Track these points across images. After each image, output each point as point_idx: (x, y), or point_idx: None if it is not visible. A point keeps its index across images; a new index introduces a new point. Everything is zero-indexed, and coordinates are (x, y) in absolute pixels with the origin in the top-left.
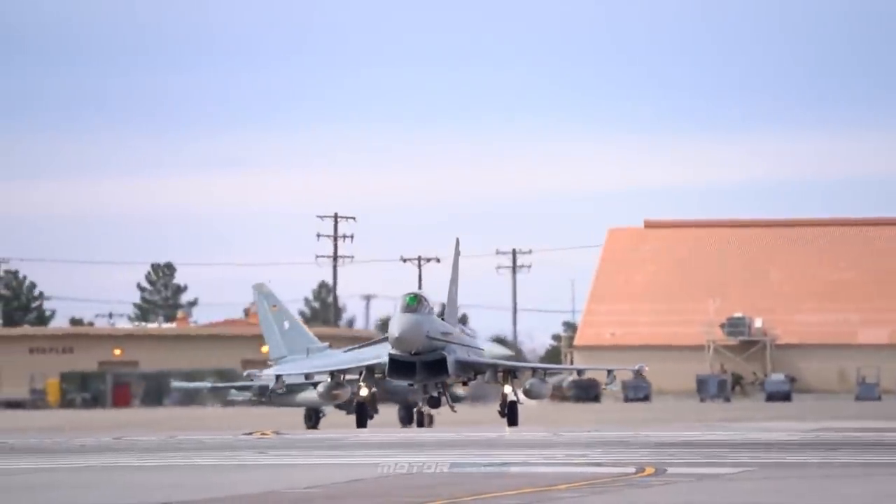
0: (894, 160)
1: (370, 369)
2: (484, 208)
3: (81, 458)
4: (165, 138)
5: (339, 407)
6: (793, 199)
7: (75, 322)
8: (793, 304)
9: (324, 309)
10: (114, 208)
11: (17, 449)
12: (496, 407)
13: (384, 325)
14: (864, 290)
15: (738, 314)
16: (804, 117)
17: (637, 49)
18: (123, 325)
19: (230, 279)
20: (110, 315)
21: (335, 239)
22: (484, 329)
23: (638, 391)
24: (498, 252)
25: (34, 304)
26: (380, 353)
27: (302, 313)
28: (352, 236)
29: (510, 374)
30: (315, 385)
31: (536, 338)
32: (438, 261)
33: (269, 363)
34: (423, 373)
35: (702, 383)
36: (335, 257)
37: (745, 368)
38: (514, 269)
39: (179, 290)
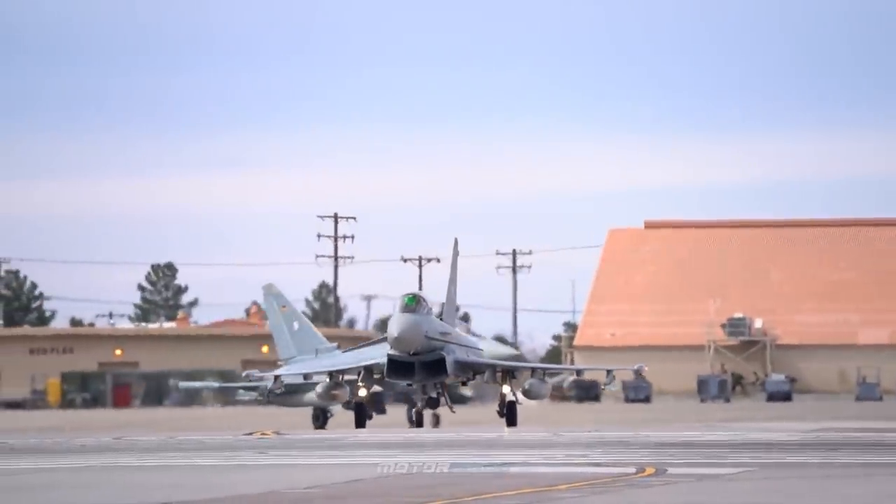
0: (894, 160)
1: (369, 370)
2: (484, 209)
3: (82, 458)
4: (166, 138)
5: (347, 407)
6: (793, 199)
7: (76, 322)
8: (793, 304)
9: (324, 309)
10: (114, 208)
11: (17, 449)
12: (495, 407)
13: (384, 325)
14: (864, 291)
15: (738, 314)
16: (804, 117)
17: (637, 49)
18: (124, 325)
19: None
20: (111, 315)
21: (335, 239)
22: (484, 329)
23: (638, 391)
24: (498, 252)
25: (35, 305)
26: (378, 354)
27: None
28: (352, 236)
29: (509, 374)
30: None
31: (537, 338)
32: (439, 261)
33: (279, 363)
34: (421, 373)
35: (702, 384)
36: (335, 257)
37: (746, 369)
38: (515, 269)
39: (180, 290)
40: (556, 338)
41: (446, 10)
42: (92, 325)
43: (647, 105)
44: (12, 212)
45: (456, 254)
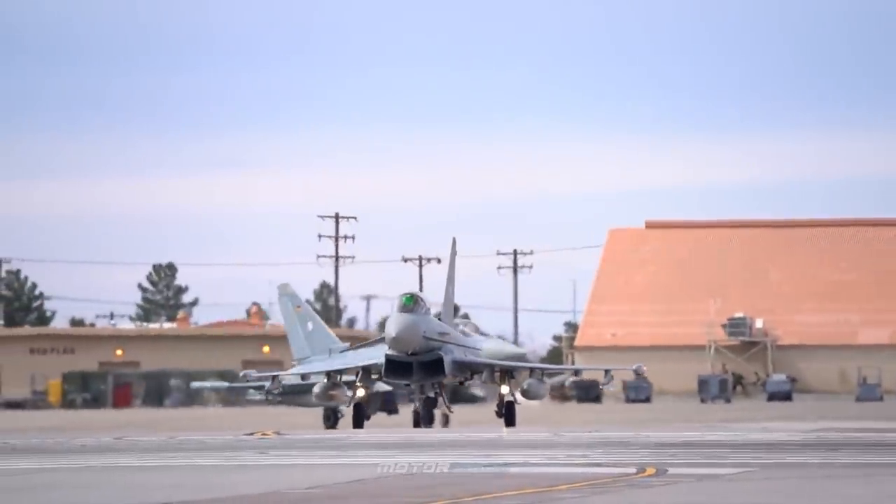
0: (894, 160)
1: (367, 370)
2: (485, 209)
3: (82, 458)
4: (166, 138)
5: None
6: (793, 199)
7: (76, 322)
8: (793, 304)
9: (325, 309)
10: (115, 208)
11: (18, 449)
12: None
13: (384, 325)
14: (864, 291)
15: (738, 314)
16: (804, 117)
17: (637, 49)
18: (125, 325)
19: (231, 279)
20: (111, 315)
21: (336, 239)
22: (485, 330)
23: (639, 391)
24: (499, 253)
25: (35, 305)
26: (376, 354)
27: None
28: (353, 237)
29: (507, 374)
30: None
31: (537, 338)
32: (439, 261)
33: (293, 363)
34: (419, 373)
35: (703, 384)
36: (336, 258)
37: (746, 369)
38: (515, 269)
39: (181, 290)
40: (557, 338)
41: (446, 11)
42: (93, 325)
43: (647, 105)
44: (12, 212)
45: (454, 253)
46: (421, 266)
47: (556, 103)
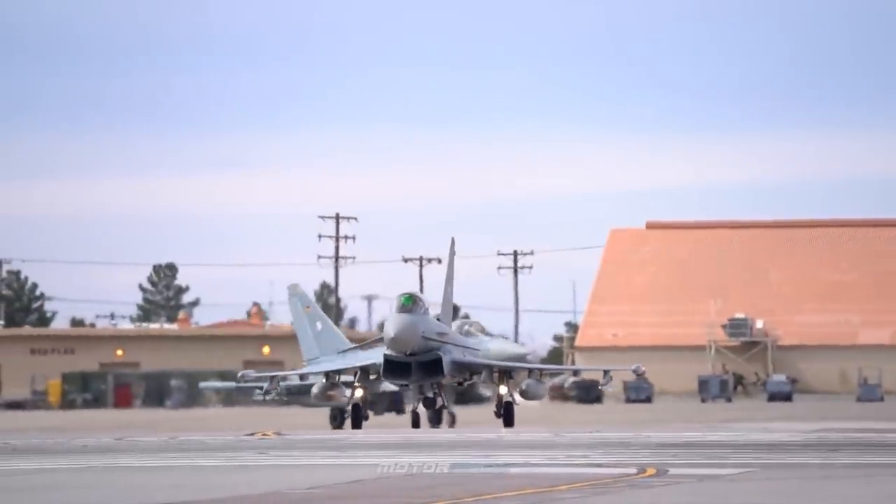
0: (894, 160)
1: (365, 370)
2: (485, 209)
3: (83, 458)
4: (166, 138)
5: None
6: (793, 199)
7: (77, 323)
8: (794, 304)
9: (326, 310)
10: (115, 209)
11: (18, 449)
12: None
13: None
14: (865, 291)
15: (739, 315)
16: (804, 117)
17: (637, 49)
18: (125, 325)
19: (232, 280)
20: (112, 316)
21: (337, 240)
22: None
23: (639, 392)
24: (499, 253)
25: (35, 305)
26: (375, 355)
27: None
28: (353, 237)
29: (506, 374)
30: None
31: (538, 338)
32: (440, 261)
33: (304, 363)
34: (418, 373)
35: (703, 384)
36: (337, 258)
37: (747, 369)
38: (516, 269)
39: (181, 290)
40: (558, 338)
41: (446, 11)
42: (93, 325)
43: (647, 106)
44: (13, 212)
45: (453, 253)
46: (422, 266)
47: (556, 103)
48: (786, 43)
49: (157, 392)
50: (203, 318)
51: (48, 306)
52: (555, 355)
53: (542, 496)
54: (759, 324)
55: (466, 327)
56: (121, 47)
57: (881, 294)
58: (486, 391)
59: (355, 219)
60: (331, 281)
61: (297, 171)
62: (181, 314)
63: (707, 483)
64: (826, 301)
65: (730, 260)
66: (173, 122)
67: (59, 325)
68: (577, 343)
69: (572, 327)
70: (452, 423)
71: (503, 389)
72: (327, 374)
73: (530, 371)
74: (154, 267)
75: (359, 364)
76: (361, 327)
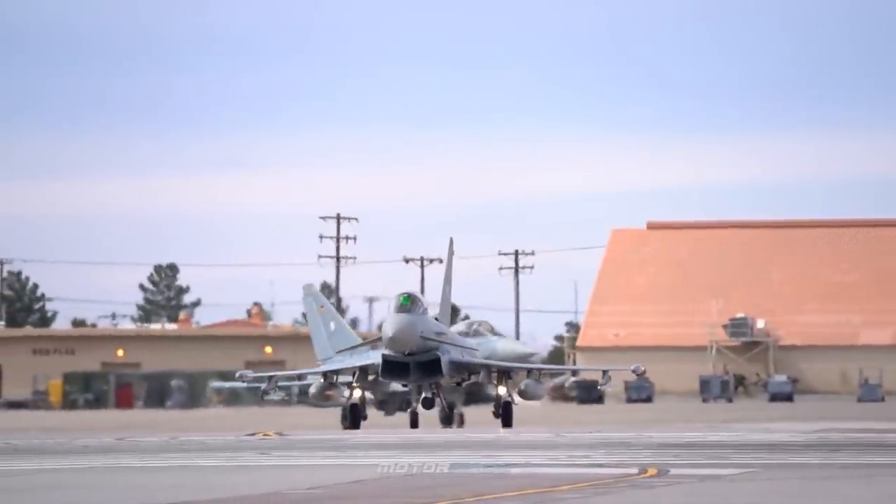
0: (894, 160)
1: (363, 370)
2: (486, 209)
3: (84, 458)
4: (167, 138)
5: (379, 407)
6: (794, 199)
7: (78, 323)
8: (795, 305)
9: None
10: (116, 209)
11: (19, 450)
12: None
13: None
14: (866, 291)
15: (740, 315)
16: (804, 117)
17: (637, 49)
18: (126, 325)
19: (233, 280)
20: (113, 316)
21: (338, 240)
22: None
23: (641, 392)
24: (500, 253)
25: (37, 306)
26: (373, 356)
27: (305, 315)
28: (354, 237)
29: (505, 374)
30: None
31: (539, 339)
32: (441, 261)
33: (318, 363)
34: (416, 373)
35: (705, 384)
36: (337, 258)
37: (748, 369)
38: (517, 270)
39: (182, 290)
40: (559, 338)
41: (446, 11)
42: (94, 325)
43: (648, 106)
44: (14, 212)
45: (451, 253)
46: (423, 266)
47: (556, 103)
48: (786, 43)
49: (158, 392)
50: (204, 318)
51: (49, 307)
52: (556, 355)
53: (544, 496)
54: (760, 324)
55: (475, 326)
56: (122, 47)
57: (882, 294)
58: (493, 391)
59: (356, 219)
60: (332, 281)
61: (297, 171)
62: (182, 314)
63: (708, 483)
64: (827, 301)
65: (731, 260)
66: (174, 122)
67: (61, 325)
68: (579, 343)
69: (573, 327)
70: (461, 423)
71: (502, 390)
72: (325, 375)
73: (529, 371)
74: (155, 267)
75: (357, 364)
76: (362, 328)
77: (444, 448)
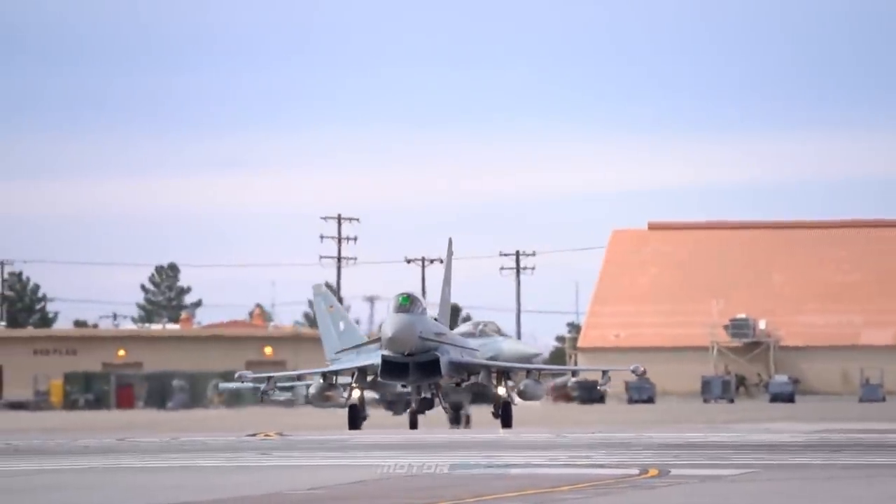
0: (894, 160)
1: (363, 371)
2: (487, 210)
3: (85, 459)
4: (168, 138)
5: (388, 408)
6: (794, 200)
7: (79, 323)
8: (796, 305)
9: None
10: (116, 209)
11: (20, 450)
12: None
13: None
14: (867, 292)
15: (741, 316)
16: (804, 117)
17: (637, 49)
18: (127, 326)
19: (234, 280)
20: (114, 316)
21: (339, 240)
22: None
23: (641, 392)
24: (501, 254)
25: (38, 306)
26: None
27: (306, 315)
28: (355, 238)
29: (504, 375)
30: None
31: (540, 339)
32: (442, 262)
33: (328, 362)
34: (415, 374)
35: (706, 384)
36: (339, 259)
37: (749, 370)
38: (518, 270)
39: (183, 291)
40: (560, 339)
41: (446, 11)
42: (95, 326)
43: (648, 106)
44: (14, 212)
45: (450, 254)
46: (423, 267)
47: (556, 103)
48: (786, 43)
49: (159, 393)
50: (205, 318)
51: (50, 307)
52: (557, 356)
53: (544, 497)
54: (761, 324)
55: (482, 327)
56: (122, 47)
57: (883, 294)
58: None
59: (357, 219)
60: (333, 282)
61: (298, 171)
62: (183, 315)
63: (709, 484)
64: (828, 301)
65: (732, 260)
66: (175, 122)
67: (62, 325)
68: (580, 344)
69: (575, 328)
70: (468, 423)
71: (501, 390)
72: (324, 375)
73: (529, 371)
74: (156, 267)
75: (357, 365)
76: (363, 328)
77: (445, 448)
